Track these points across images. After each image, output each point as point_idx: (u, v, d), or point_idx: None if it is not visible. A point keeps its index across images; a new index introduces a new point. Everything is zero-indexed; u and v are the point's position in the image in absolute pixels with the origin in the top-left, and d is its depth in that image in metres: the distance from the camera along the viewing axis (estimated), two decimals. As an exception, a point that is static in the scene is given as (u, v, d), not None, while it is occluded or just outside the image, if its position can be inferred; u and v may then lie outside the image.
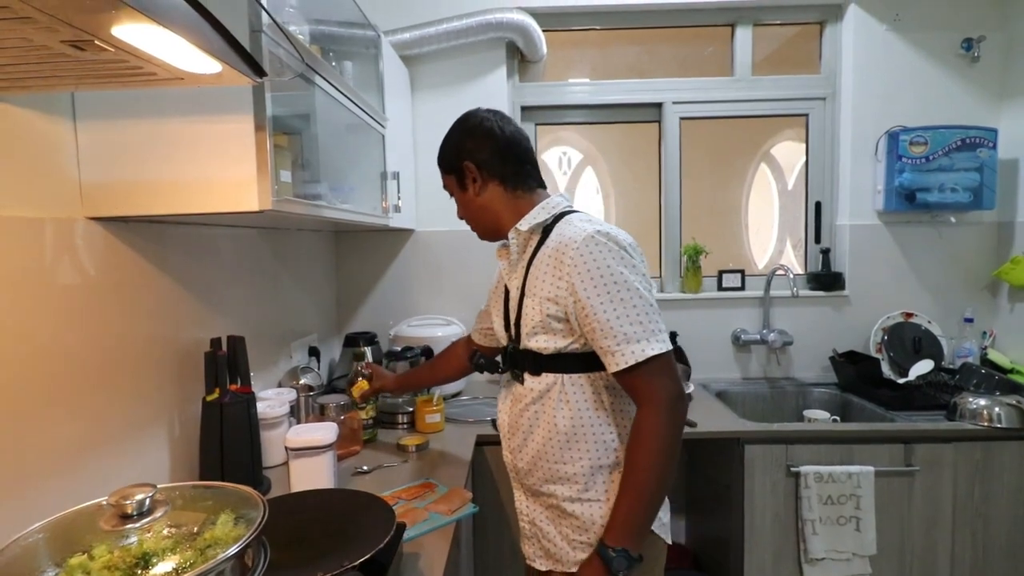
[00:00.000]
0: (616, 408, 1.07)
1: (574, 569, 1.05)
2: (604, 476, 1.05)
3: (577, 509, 1.06)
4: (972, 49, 2.21)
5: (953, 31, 2.23)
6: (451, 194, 1.20)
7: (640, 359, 0.95)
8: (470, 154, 1.13)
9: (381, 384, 1.57)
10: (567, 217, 1.09)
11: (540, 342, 1.06)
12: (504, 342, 1.19)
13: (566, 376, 1.05)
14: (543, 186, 1.19)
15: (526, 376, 1.10)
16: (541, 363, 1.07)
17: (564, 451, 1.06)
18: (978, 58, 2.22)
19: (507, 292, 1.17)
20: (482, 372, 1.34)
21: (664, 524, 1.09)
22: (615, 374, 0.99)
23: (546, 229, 1.10)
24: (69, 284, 0.96)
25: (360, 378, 1.69)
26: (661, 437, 0.95)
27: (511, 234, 1.12)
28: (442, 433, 1.72)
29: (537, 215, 1.11)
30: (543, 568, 1.13)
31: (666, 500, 1.09)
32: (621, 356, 0.96)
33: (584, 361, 1.05)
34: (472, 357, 1.35)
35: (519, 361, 1.11)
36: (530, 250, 1.11)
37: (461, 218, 1.22)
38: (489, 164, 1.13)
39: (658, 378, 0.96)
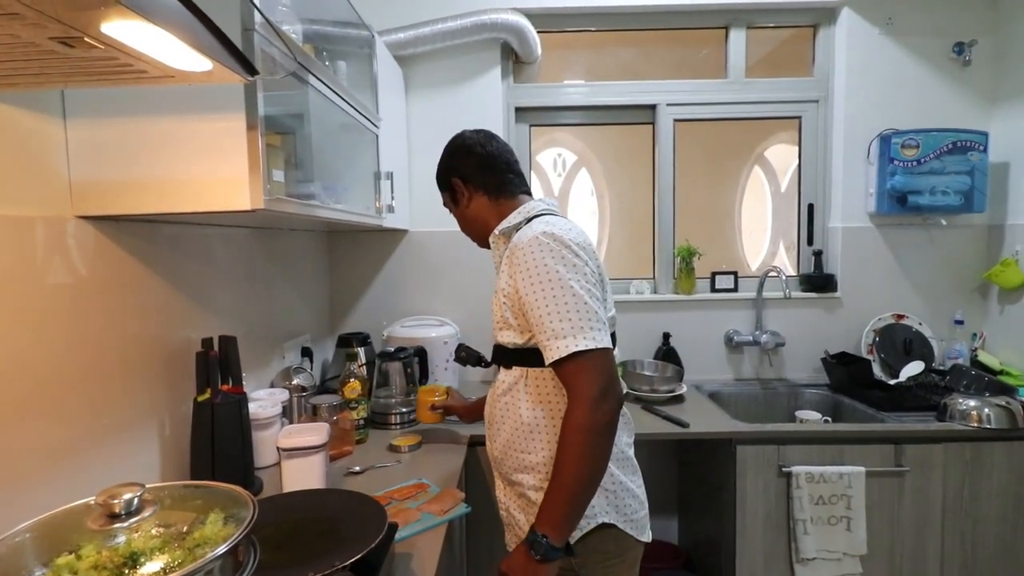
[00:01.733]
0: None
1: None
2: None
3: (539, 497, 1.09)
4: (964, 53, 2.23)
5: (945, 35, 2.25)
6: (450, 211, 1.31)
7: (564, 354, 0.98)
8: (456, 171, 1.25)
9: (456, 408, 1.70)
10: (534, 220, 1.14)
11: (505, 337, 1.13)
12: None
13: (531, 370, 1.11)
14: (528, 192, 1.27)
15: (501, 369, 1.18)
16: (510, 357, 1.14)
17: (527, 441, 1.12)
18: (969, 62, 2.24)
19: None
20: (464, 365, 1.46)
21: (633, 521, 1.12)
22: (552, 368, 1.03)
23: (519, 230, 1.16)
24: (59, 283, 0.95)
25: (352, 378, 1.69)
26: (582, 431, 0.97)
27: (491, 237, 1.21)
28: (435, 433, 1.71)
29: (512, 219, 1.18)
30: None
31: (641, 497, 1.15)
32: (549, 351, 1.00)
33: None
34: (457, 350, 1.46)
35: (496, 355, 1.20)
36: (505, 251, 1.17)
37: (462, 230, 1.32)
38: (473, 178, 1.23)
39: (584, 373, 0.98)
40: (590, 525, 1.08)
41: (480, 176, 1.23)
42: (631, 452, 1.19)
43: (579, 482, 0.98)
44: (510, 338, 1.12)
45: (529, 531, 1.00)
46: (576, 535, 1.07)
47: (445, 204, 1.33)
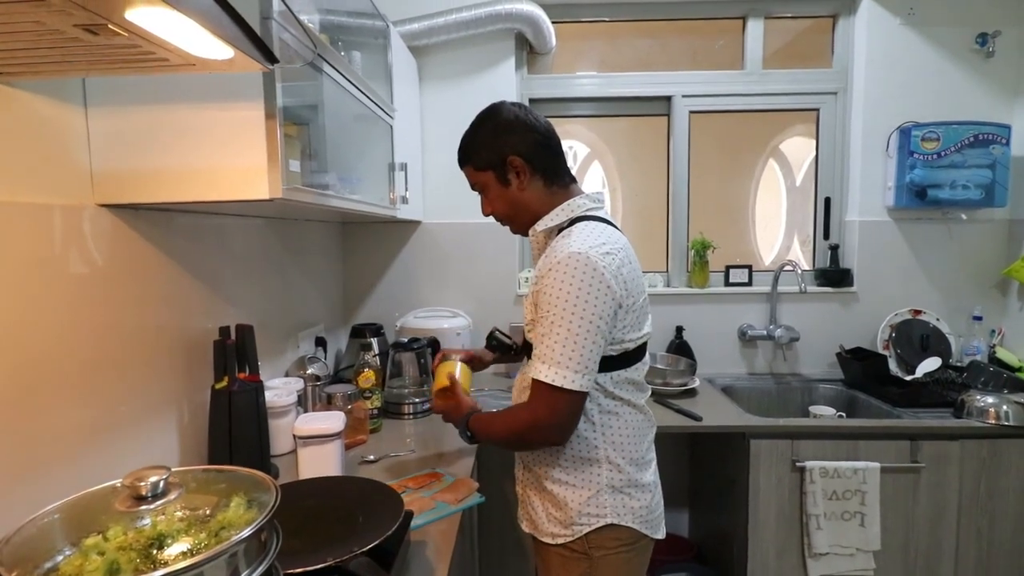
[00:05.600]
0: (604, 409, 1.11)
1: (546, 539, 1.14)
2: (585, 467, 1.10)
3: (555, 489, 1.12)
4: (987, 44, 2.19)
5: (968, 26, 2.20)
6: (482, 191, 1.18)
7: (538, 377, 1.02)
8: (514, 148, 1.12)
9: (486, 359, 1.48)
10: (577, 225, 1.09)
11: (535, 337, 1.10)
12: None
13: None
14: (575, 180, 1.19)
15: (528, 360, 1.15)
16: None
17: None
18: (993, 53, 2.19)
19: None
20: (494, 352, 1.40)
21: (647, 521, 1.13)
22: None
23: (562, 230, 1.11)
24: (80, 271, 0.96)
25: (367, 368, 1.70)
26: (509, 430, 1.10)
27: (530, 234, 1.16)
28: (449, 425, 1.72)
29: (553, 218, 1.13)
30: (526, 531, 1.21)
31: (657, 496, 1.17)
32: (533, 366, 1.04)
33: None
34: (489, 336, 1.40)
35: (528, 348, 1.16)
36: (547, 248, 1.13)
37: (490, 214, 1.21)
38: (533, 157, 1.12)
39: (543, 402, 1.02)
40: (598, 523, 1.09)
41: (540, 157, 1.13)
42: (651, 454, 1.19)
43: (498, 440, 1.13)
44: None
45: (467, 419, 1.15)
46: (584, 530, 1.09)
47: (476, 184, 1.19)
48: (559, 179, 1.15)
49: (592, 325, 1.00)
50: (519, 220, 1.18)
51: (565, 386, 1.00)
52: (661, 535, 1.17)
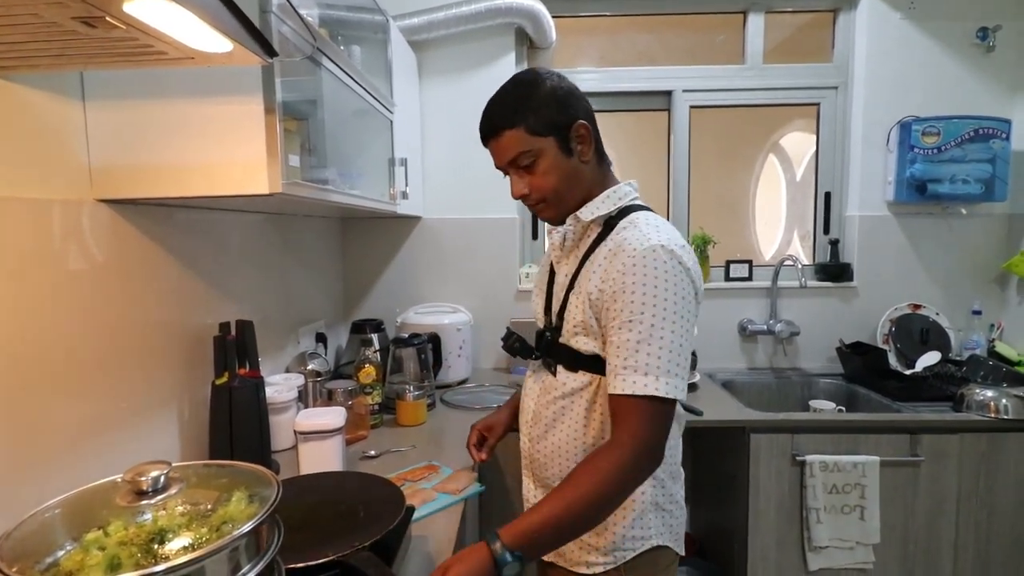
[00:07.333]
0: None
1: (579, 569, 1.00)
2: None
3: None
4: (988, 38, 2.18)
5: (968, 20, 2.19)
6: (532, 162, 0.97)
7: (640, 392, 0.86)
8: (582, 112, 0.98)
9: (498, 428, 1.29)
10: (633, 216, 0.98)
11: (581, 343, 0.98)
12: (540, 324, 1.11)
13: (603, 379, 0.97)
14: (611, 163, 1.08)
15: (559, 369, 1.02)
16: (579, 361, 0.99)
17: (585, 454, 0.97)
18: (993, 47, 2.19)
19: (552, 273, 1.09)
20: (515, 356, 1.16)
21: (679, 537, 1.04)
22: (610, 395, 0.91)
23: (608, 222, 1.00)
24: (79, 266, 0.96)
25: (367, 364, 1.70)
26: (609, 474, 0.85)
27: (569, 221, 1.01)
28: (447, 420, 1.72)
29: (600, 205, 1.00)
30: (547, 560, 1.07)
31: (684, 512, 1.05)
32: (622, 380, 0.88)
33: None
34: (507, 339, 1.17)
35: (555, 353, 1.03)
36: (588, 241, 1.01)
37: (521, 196, 1.00)
38: (593, 127, 1.00)
39: (650, 420, 0.87)
40: (643, 546, 0.99)
41: (594, 128, 1.00)
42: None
43: (577, 516, 0.84)
44: (587, 345, 0.97)
45: (489, 535, 0.83)
46: (628, 555, 0.98)
47: (525, 155, 0.96)
48: (604, 158, 1.05)
49: (689, 325, 0.90)
50: (568, 199, 1.00)
51: (677, 396, 0.87)
52: (683, 551, 1.06)
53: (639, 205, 1.02)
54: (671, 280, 0.88)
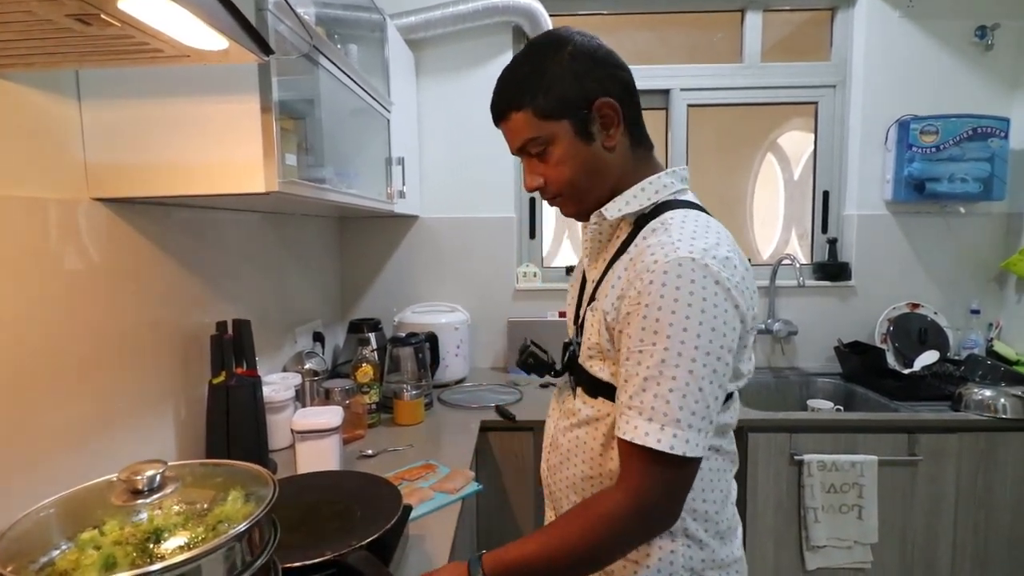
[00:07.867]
0: None
1: None
2: (654, 544, 0.82)
3: (617, 570, 0.84)
4: (986, 37, 2.18)
5: (967, 18, 2.19)
6: (543, 150, 0.82)
7: (639, 441, 0.71)
8: (605, 88, 0.79)
9: None
10: (667, 215, 0.79)
11: (596, 368, 0.83)
12: (569, 334, 0.96)
13: None
14: (652, 147, 0.89)
15: (579, 392, 0.88)
16: (597, 387, 0.84)
17: (600, 488, 0.84)
18: (992, 46, 2.19)
19: (584, 278, 0.92)
20: (529, 373, 1.02)
21: (736, 557, 0.87)
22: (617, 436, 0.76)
23: (639, 221, 0.83)
24: (75, 265, 0.96)
25: (364, 363, 1.69)
26: (600, 525, 0.73)
27: (593, 219, 0.85)
28: (445, 419, 1.72)
29: (631, 200, 0.83)
30: None
31: (739, 532, 0.89)
32: (625, 422, 0.73)
33: None
34: (523, 352, 1.01)
35: (576, 372, 0.89)
36: (617, 243, 0.84)
37: (535, 188, 0.85)
38: (625, 105, 0.81)
39: (645, 475, 0.72)
40: None
41: (630, 105, 0.82)
42: (734, 508, 0.90)
43: (560, 565, 0.74)
44: (602, 372, 0.82)
45: (476, 563, 0.75)
46: None
47: (534, 142, 0.81)
48: (644, 140, 0.86)
49: (720, 363, 0.72)
50: (590, 193, 0.84)
51: (688, 454, 0.70)
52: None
53: (682, 200, 0.84)
54: (696, 303, 0.70)
